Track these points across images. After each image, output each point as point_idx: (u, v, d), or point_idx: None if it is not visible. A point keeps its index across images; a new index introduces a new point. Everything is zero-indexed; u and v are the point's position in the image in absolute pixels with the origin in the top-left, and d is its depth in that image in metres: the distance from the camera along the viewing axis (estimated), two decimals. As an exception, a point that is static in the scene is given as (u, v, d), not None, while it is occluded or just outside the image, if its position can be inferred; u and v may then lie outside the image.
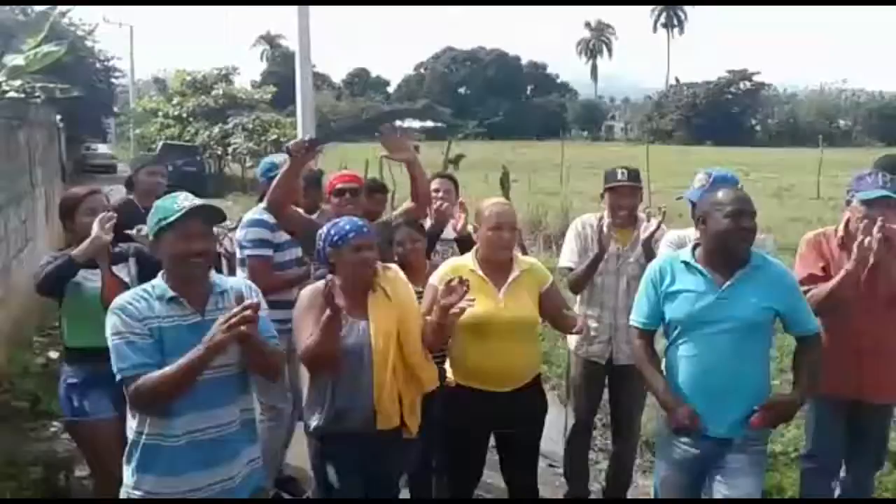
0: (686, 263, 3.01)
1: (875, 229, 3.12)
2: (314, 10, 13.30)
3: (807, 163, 21.72)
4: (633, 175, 3.96)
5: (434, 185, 4.34)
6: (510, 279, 3.31)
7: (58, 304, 3.51)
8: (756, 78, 78.72)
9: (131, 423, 2.57)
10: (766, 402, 2.95)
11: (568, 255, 4.01)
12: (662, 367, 3.13)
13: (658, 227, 3.77)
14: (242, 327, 2.35)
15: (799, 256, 3.53)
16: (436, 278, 3.33)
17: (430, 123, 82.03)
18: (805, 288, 3.28)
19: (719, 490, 2.98)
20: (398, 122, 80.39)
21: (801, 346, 3.10)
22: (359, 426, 3.02)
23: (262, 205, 3.96)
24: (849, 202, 3.48)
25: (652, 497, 3.42)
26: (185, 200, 2.57)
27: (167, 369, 2.40)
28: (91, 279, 3.40)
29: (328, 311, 2.81)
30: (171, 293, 2.54)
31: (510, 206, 3.46)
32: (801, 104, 79.79)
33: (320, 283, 2.94)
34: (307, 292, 3.10)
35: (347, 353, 2.99)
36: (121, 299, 2.54)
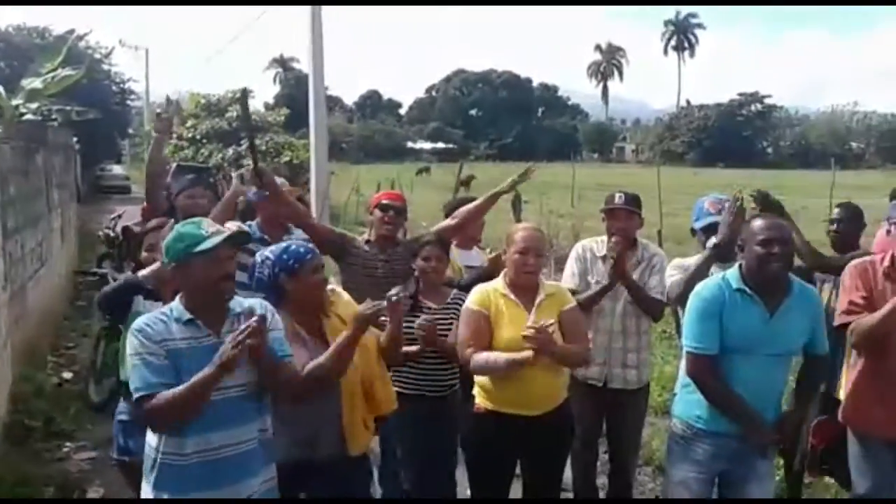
0: (740, 290, 3.08)
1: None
2: (327, 33, 13.46)
3: (819, 185, 21.63)
4: (631, 199, 4.01)
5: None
6: (537, 302, 3.36)
7: (107, 332, 3.48)
8: (767, 100, 78.82)
9: (151, 441, 2.61)
10: (778, 423, 3.12)
11: (568, 278, 4.04)
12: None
13: (634, 253, 3.85)
14: (249, 341, 2.39)
15: (843, 283, 3.41)
16: (473, 302, 3.40)
17: (441, 145, 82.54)
18: (848, 319, 3.26)
19: (741, 492, 3.13)
20: (409, 144, 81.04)
21: (809, 364, 3.22)
22: (327, 451, 3.03)
23: (254, 222, 4.23)
24: (889, 231, 3.40)
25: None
26: (210, 226, 2.62)
27: (180, 388, 2.43)
28: (149, 308, 3.29)
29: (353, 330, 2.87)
30: (188, 315, 2.58)
31: (539, 231, 3.51)
32: (812, 126, 79.67)
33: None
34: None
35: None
36: (140, 321, 2.58)
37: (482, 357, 3.28)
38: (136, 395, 2.49)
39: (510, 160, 70.09)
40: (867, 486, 3.42)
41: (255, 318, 2.44)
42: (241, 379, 2.59)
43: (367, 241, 4.22)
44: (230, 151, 26.97)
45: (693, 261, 3.77)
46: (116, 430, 3.55)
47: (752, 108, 78.06)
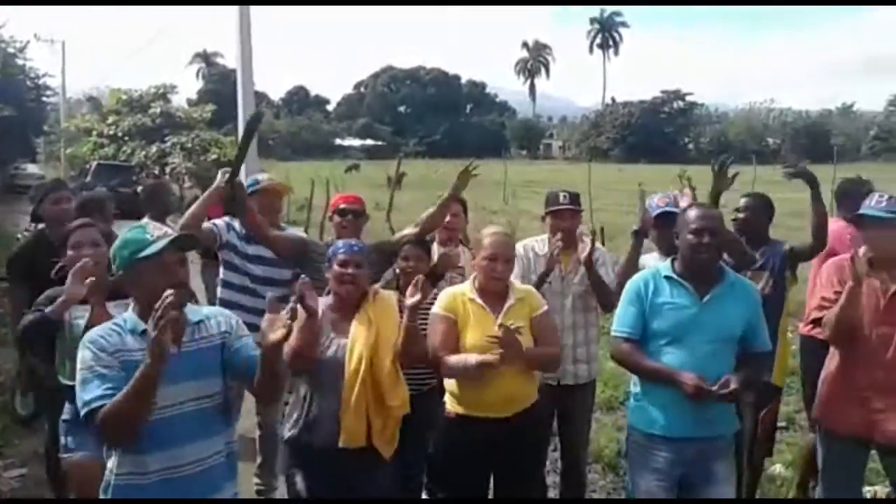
0: (668, 277, 3.16)
1: (861, 251, 3.14)
2: (254, 28, 13.12)
3: (740, 179, 22.33)
4: (574, 198, 4.07)
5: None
6: (506, 307, 3.35)
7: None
8: (688, 98, 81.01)
9: (109, 463, 2.48)
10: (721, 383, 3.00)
11: (510, 279, 4.03)
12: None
13: (593, 246, 3.85)
14: (172, 313, 2.21)
15: (819, 279, 3.50)
16: (440, 307, 3.40)
17: (370, 142, 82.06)
18: (820, 314, 3.34)
19: (702, 495, 3.13)
20: (338, 141, 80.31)
21: (751, 363, 3.18)
22: (324, 439, 3.11)
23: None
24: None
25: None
26: (155, 230, 2.53)
27: (122, 392, 2.27)
28: (80, 315, 3.25)
29: (305, 314, 2.89)
30: (142, 326, 2.42)
31: (508, 236, 3.49)
32: (731, 123, 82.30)
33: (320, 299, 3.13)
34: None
35: (326, 365, 3.14)
36: (93, 333, 2.46)
37: (455, 359, 3.28)
38: (84, 410, 2.33)
39: (439, 157, 70.34)
40: (833, 483, 3.47)
41: (169, 292, 2.23)
42: (206, 390, 2.49)
43: (328, 244, 4.14)
44: (153, 149, 26.30)
45: (645, 258, 3.82)
46: (62, 431, 3.43)
47: (675, 105, 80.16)
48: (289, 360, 2.94)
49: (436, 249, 4.39)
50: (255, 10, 13.20)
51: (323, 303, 3.22)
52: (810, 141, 70.55)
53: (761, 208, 4.23)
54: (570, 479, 4.23)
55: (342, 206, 4.19)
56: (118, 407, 2.26)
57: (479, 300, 3.37)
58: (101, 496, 2.47)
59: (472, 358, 3.21)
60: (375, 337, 3.19)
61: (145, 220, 5.29)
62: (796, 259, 4.07)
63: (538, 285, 3.84)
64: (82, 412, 2.34)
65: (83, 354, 2.40)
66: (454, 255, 4.03)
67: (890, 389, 3.23)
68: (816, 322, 3.42)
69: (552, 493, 4.36)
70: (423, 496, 3.88)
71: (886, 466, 3.46)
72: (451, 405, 3.43)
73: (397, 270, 3.85)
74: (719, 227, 3.15)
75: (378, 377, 3.17)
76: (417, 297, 3.13)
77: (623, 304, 3.26)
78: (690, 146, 79.21)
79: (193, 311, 2.60)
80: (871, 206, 3.35)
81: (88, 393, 2.33)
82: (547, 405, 3.87)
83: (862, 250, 3.16)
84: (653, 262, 3.81)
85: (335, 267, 3.24)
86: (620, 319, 3.26)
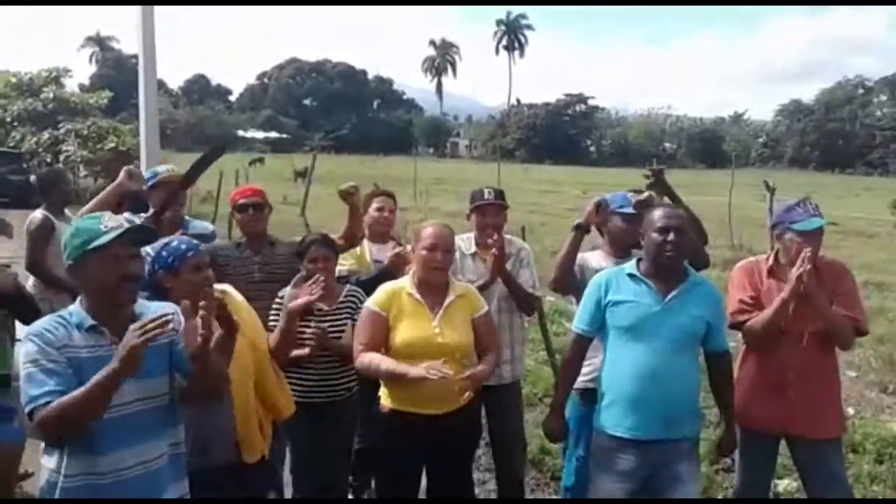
0: (631, 275, 3.18)
1: (805, 259, 3.15)
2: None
3: (637, 182, 23.06)
4: (499, 194, 4.00)
5: (377, 203, 4.38)
6: (445, 303, 3.29)
7: None
8: (591, 102, 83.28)
9: (48, 463, 2.32)
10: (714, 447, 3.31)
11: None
12: (603, 374, 3.25)
13: (502, 255, 3.74)
14: (157, 331, 2.14)
15: (732, 282, 3.55)
16: (374, 303, 3.32)
17: (274, 135, 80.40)
18: (742, 318, 3.39)
19: (667, 495, 3.14)
20: (240, 133, 78.48)
21: (714, 364, 3.29)
22: (222, 458, 2.93)
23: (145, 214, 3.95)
24: (780, 235, 3.46)
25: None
26: (110, 220, 2.37)
27: (75, 392, 2.14)
28: None
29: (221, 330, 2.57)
30: (90, 321, 2.30)
31: (448, 228, 3.41)
32: (630, 127, 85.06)
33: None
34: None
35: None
36: (37, 325, 2.31)
37: (367, 358, 3.22)
38: (30, 406, 2.18)
39: (346, 152, 69.75)
40: (747, 475, 3.56)
41: (164, 314, 2.18)
42: (153, 390, 2.38)
43: (238, 244, 4.06)
44: (45, 135, 24.83)
45: (586, 255, 3.76)
46: None
47: (577, 108, 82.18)
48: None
49: (366, 247, 4.29)
50: (157, -6, 12.54)
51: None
52: (704, 147, 73.72)
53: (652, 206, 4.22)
54: (506, 479, 4.14)
55: (241, 201, 3.99)
56: (66, 408, 2.14)
57: (417, 295, 3.29)
58: (46, 497, 2.33)
59: (384, 363, 3.16)
60: (249, 340, 3.03)
61: (39, 211, 4.89)
62: None
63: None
64: (27, 408, 2.20)
65: (27, 347, 2.26)
66: (406, 254, 3.88)
67: (801, 385, 3.32)
68: (736, 325, 3.44)
69: (476, 491, 4.26)
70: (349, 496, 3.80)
71: (797, 459, 3.55)
72: (385, 399, 3.36)
73: (304, 271, 3.67)
74: (684, 226, 3.16)
75: (263, 381, 3.08)
76: (304, 301, 3.06)
77: (583, 300, 3.31)
78: (592, 148, 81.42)
79: (143, 307, 2.46)
80: (805, 215, 3.36)
81: (35, 389, 2.20)
82: (479, 407, 3.78)
83: (808, 268, 3.15)
84: (595, 259, 3.77)
85: (186, 274, 2.87)
86: (578, 315, 3.32)
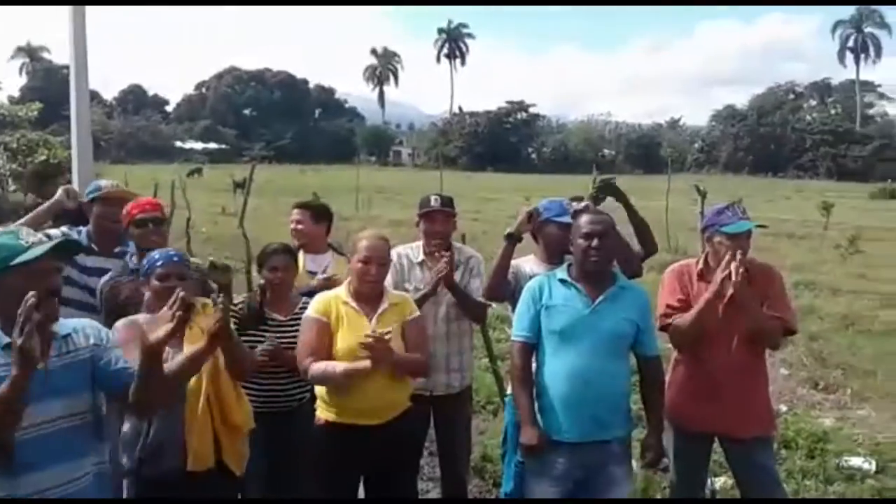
0: (562, 280, 3.23)
1: (735, 262, 3.20)
2: (88, 23, 12.16)
3: (577, 189, 23.41)
4: (447, 201, 3.98)
5: (293, 216, 4.33)
6: (379, 311, 3.31)
7: None
8: (531, 109, 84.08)
9: None
10: (643, 453, 3.31)
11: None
12: (537, 378, 3.26)
13: (452, 264, 3.75)
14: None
15: (662, 286, 3.61)
16: (314, 310, 3.32)
17: (213, 145, 79.13)
18: (669, 320, 3.45)
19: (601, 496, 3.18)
20: (178, 143, 77.02)
21: (644, 368, 3.35)
22: (171, 465, 2.93)
23: (84, 227, 3.94)
24: (710, 238, 3.53)
25: None
26: (28, 235, 2.32)
27: None
28: None
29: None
30: (6, 339, 2.20)
31: (383, 240, 3.41)
32: (571, 134, 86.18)
33: (136, 317, 2.97)
34: (122, 325, 2.95)
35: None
36: None
37: (320, 367, 3.20)
38: None
39: (287, 162, 69.02)
40: (682, 475, 3.64)
41: (31, 294, 2.04)
42: (75, 408, 2.32)
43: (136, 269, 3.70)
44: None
45: (519, 262, 3.78)
46: None
47: (518, 116, 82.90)
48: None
49: (301, 258, 4.21)
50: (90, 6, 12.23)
51: (144, 320, 2.96)
52: (642, 152, 75.16)
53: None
54: (451, 489, 4.12)
55: (140, 215, 3.71)
56: None
57: (352, 303, 3.32)
58: None
59: (339, 366, 3.16)
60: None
61: None
62: None
63: (422, 302, 3.73)
64: None
65: None
66: (336, 280, 3.83)
67: (733, 385, 3.40)
68: (664, 328, 3.51)
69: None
70: None
71: (729, 458, 3.63)
72: (321, 412, 3.35)
73: (262, 281, 3.67)
74: (610, 232, 3.21)
75: (219, 392, 3.05)
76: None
77: (519, 308, 3.34)
78: (534, 156, 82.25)
79: (60, 324, 2.38)
80: (734, 218, 3.42)
81: None
82: (421, 415, 3.77)
83: (733, 269, 3.21)
84: (528, 266, 3.79)
85: (154, 281, 3.02)
86: (517, 322, 3.33)
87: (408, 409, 3.38)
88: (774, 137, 76.00)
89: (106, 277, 3.67)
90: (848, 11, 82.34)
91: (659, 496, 4.54)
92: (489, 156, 74.32)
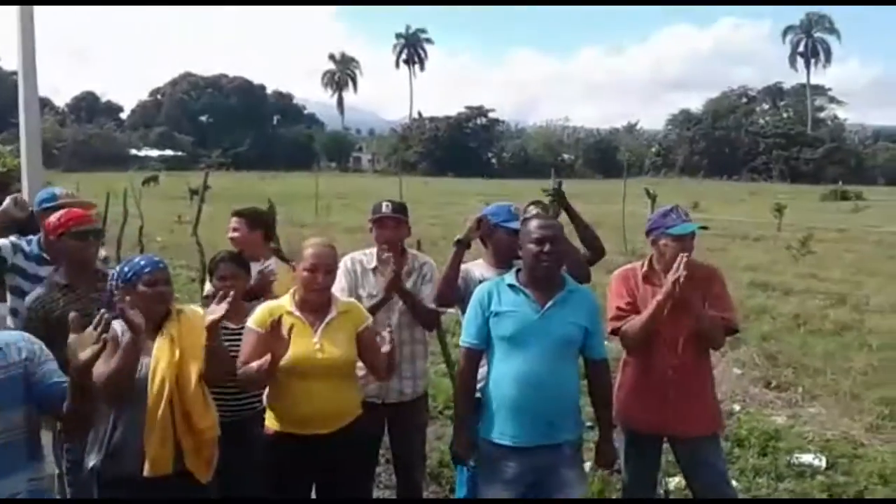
0: (511, 286, 3.23)
1: (681, 263, 3.27)
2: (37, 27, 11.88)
3: (538, 193, 23.58)
4: (398, 208, 3.98)
5: (230, 224, 4.30)
6: (326, 320, 3.28)
7: None
8: (491, 115, 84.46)
9: None
10: (597, 458, 3.38)
11: (338, 293, 3.85)
12: (487, 384, 3.27)
13: (400, 271, 3.75)
14: None
15: (609, 290, 3.65)
16: (252, 321, 3.28)
17: (169, 152, 78.06)
18: (619, 324, 3.49)
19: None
20: (133, 151, 75.82)
21: (592, 371, 3.37)
22: (131, 468, 2.93)
23: (34, 236, 3.91)
24: (655, 240, 3.58)
25: None
26: None
27: None
28: None
29: (130, 333, 2.77)
30: None
31: (330, 247, 3.38)
32: (530, 139, 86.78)
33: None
34: (91, 331, 2.88)
35: (132, 388, 2.94)
36: None
37: (241, 373, 3.18)
38: None
39: (245, 169, 68.31)
40: (634, 476, 3.68)
41: None
42: (6, 424, 2.29)
43: (65, 286, 3.59)
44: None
45: (468, 266, 3.80)
46: None
47: (478, 121, 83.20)
48: (106, 382, 2.79)
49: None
50: (39, 10, 11.96)
51: (117, 324, 2.96)
52: (600, 156, 75.96)
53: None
54: (407, 496, 4.10)
55: (76, 227, 3.58)
56: None
57: (297, 313, 3.27)
58: None
59: (253, 365, 3.11)
60: (179, 357, 3.04)
61: None
62: None
63: (376, 309, 3.73)
64: None
65: None
66: (269, 273, 3.85)
67: (679, 386, 3.46)
68: (614, 332, 3.57)
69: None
70: None
71: (678, 457, 3.69)
72: (269, 421, 3.31)
73: (212, 288, 3.63)
74: (560, 237, 3.24)
75: (184, 398, 3.03)
76: (215, 315, 2.99)
77: (467, 314, 3.34)
78: (494, 160, 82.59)
79: None
80: (678, 220, 3.50)
81: None
82: (374, 424, 3.75)
83: (682, 272, 3.27)
84: (478, 270, 3.80)
85: (142, 287, 3.02)
86: (465, 329, 3.34)
87: (358, 417, 3.36)
88: (729, 141, 77.43)
89: (33, 295, 3.56)
90: (798, 16, 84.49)
91: (615, 496, 4.57)
92: (449, 161, 74.45)
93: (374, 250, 3.94)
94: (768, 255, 16.36)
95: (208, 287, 3.97)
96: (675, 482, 4.64)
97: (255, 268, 4.12)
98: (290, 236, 14.36)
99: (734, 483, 4.71)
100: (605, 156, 78.49)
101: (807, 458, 5.12)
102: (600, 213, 18.02)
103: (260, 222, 4.33)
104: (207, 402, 3.18)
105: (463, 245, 3.69)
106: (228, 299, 3.05)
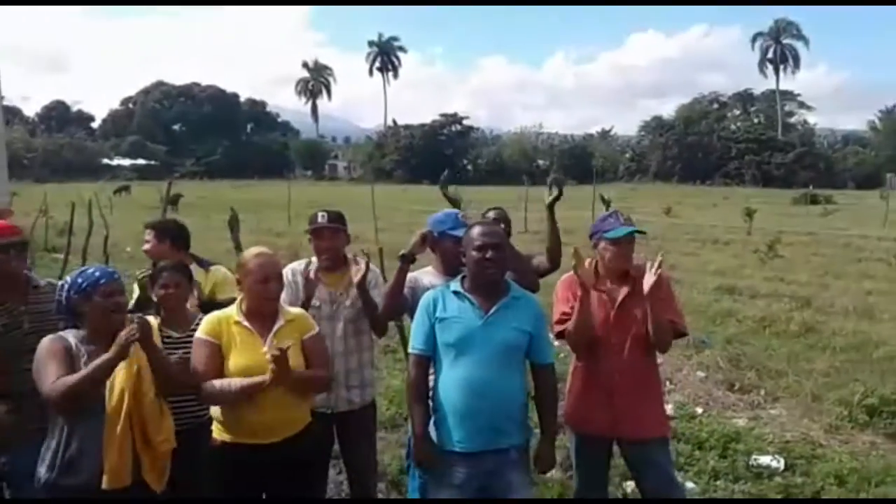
0: (456, 292, 3.27)
1: (587, 262, 3.40)
2: None
3: (514, 199, 23.67)
4: (335, 217, 4.00)
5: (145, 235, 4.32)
6: (275, 329, 3.28)
7: None
8: (465, 122, 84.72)
9: None
10: (536, 460, 3.36)
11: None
12: (434, 390, 3.29)
13: (367, 268, 3.81)
14: None
15: (555, 296, 3.69)
16: (203, 331, 3.27)
17: (141, 161, 77.39)
18: (563, 327, 3.55)
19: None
20: (105, 160, 74.98)
21: (537, 377, 3.39)
22: (87, 481, 2.92)
23: None
24: (595, 244, 3.65)
25: None
26: None
27: None
28: None
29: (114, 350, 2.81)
30: None
31: (274, 255, 3.40)
32: (505, 146, 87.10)
33: (64, 333, 3.02)
34: (46, 341, 3.01)
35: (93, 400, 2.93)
36: None
37: (215, 384, 3.16)
38: None
39: (219, 177, 67.97)
40: (584, 479, 3.74)
41: None
42: None
43: None
44: None
45: (416, 274, 3.83)
46: None
47: (453, 128, 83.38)
48: (69, 395, 2.82)
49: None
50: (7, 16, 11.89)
51: (73, 336, 3.01)
52: (575, 162, 76.36)
53: (505, 221, 4.28)
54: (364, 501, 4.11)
55: (2, 241, 3.48)
56: None
57: (245, 323, 3.27)
58: None
59: (236, 382, 3.13)
60: (137, 369, 3.04)
61: None
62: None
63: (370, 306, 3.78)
64: None
65: None
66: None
67: (627, 390, 3.52)
68: (560, 335, 3.63)
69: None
70: None
71: (627, 459, 3.74)
72: (216, 432, 3.30)
73: (155, 298, 3.63)
74: (503, 243, 3.28)
75: (141, 411, 3.04)
76: (137, 333, 2.89)
77: (415, 321, 3.37)
78: (470, 167, 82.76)
79: None
80: (616, 225, 3.59)
81: None
82: (322, 433, 3.75)
83: (587, 262, 3.43)
84: (427, 278, 3.82)
85: (98, 299, 3.02)
86: (413, 336, 3.36)
87: (308, 425, 3.35)
88: (701, 146, 78.21)
89: None
90: (766, 23, 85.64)
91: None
92: (425, 168, 74.51)
93: (311, 260, 3.95)
94: (737, 260, 16.54)
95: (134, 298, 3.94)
96: (633, 485, 4.68)
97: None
98: (267, 245, 14.38)
99: (691, 485, 4.82)
100: (580, 162, 78.99)
101: (765, 459, 5.18)
102: (574, 219, 18.10)
103: (167, 233, 4.33)
104: (164, 414, 3.18)
105: (407, 259, 3.71)
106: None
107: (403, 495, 4.76)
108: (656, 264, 3.40)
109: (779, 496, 4.76)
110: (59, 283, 3.13)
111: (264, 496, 3.36)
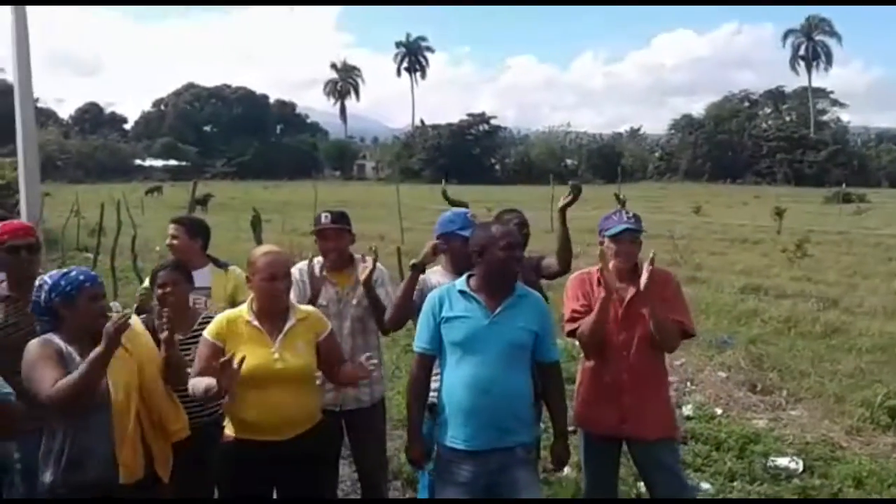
0: (462, 292, 3.30)
1: (609, 259, 3.43)
2: (35, 39, 11.99)
3: (540, 199, 23.62)
4: (338, 217, 4.04)
5: (169, 232, 4.29)
6: (285, 328, 3.30)
7: None
8: (493, 121, 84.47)
9: None
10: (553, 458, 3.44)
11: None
12: (440, 389, 3.34)
13: (374, 266, 3.85)
14: None
15: (566, 293, 3.72)
16: (209, 332, 3.30)
17: (174, 162, 78.37)
18: (574, 326, 3.58)
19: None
20: (138, 162, 75.96)
21: (544, 375, 3.43)
22: (98, 477, 2.94)
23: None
24: (600, 243, 3.69)
25: None
26: None
27: None
28: None
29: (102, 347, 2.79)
30: None
31: (282, 253, 3.43)
32: (532, 145, 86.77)
33: (50, 336, 2.99)
34: (35, 345, 2.99)
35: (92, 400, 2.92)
36: None
37: (189, 385, 3.22)
38: None
39: (249, 178, 68.56)
40: (593, 478, 3.76)
41: None
42: None
43: (6, 297, 3.62)
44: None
45: (427, 275, 3.87)
46: None
47: (480, 128, 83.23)
48: (67, 396, 2.81)
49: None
50: (34, 19, 12.08)
51: (59, 339, 3.00)
52: (603, 161, 75.89)
53: (525, 225, 4.33)
54: (369, 495, 4.16)
55: (11, 241, 3.60)
56: None
57: (255, 322, 3.29)
58: None
59: (199, 385, 3.14)
60: (138, 365, 3.09)
61: None
62: (543, 275, 4.27)
63: (376, 303, 3.83)
64: None
65: None
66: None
67: (634, 389, 3.54)
68: (571, 334, 3.65)
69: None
70: None
71: (635, 460, 3.75)
72: (228, 428, 3.35)
73: (155, 298, 3.66)
74: (521, 243, 3.37)
75: (152, 405, 3.11)
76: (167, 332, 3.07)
77: (420, 320, 3.39)
78: (497, 167, 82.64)
79: None
80: (617, 222, 3.61)
81: None
82: (332, 431, 3.81)
83: (611, 264, 3.46)
84: (436, 277, 3.86)
85: (84, 302, 3.00)
86: (418, 334, 3.39)
87: (318, 423, 3.39)
88: (732, 145, 77.40)
89: None
90: (798, 20, 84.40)
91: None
92: (453, 168, 74.46)
93: (319, 258, 3.97)
94: (765, 259, 16.37)
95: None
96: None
97: (195, 276, 4.18)
98: (290, 245, 14.50)
99: (707, 486, 4.81)
100: (609, 161, 78.47)
101: (783, 461, 5.15)
102: (596, 218, 18.00)
103: (199, 231, 4.34)
104: (177, 403, 3.26)
105: (418, 270, 3.75)
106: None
107: (418, 492, 4.82)
108: (647, 262, 3.42)
109: (795, 497, 4.73)
110: (37, 282, 3.07)
111: (275, 493, 3.39)
